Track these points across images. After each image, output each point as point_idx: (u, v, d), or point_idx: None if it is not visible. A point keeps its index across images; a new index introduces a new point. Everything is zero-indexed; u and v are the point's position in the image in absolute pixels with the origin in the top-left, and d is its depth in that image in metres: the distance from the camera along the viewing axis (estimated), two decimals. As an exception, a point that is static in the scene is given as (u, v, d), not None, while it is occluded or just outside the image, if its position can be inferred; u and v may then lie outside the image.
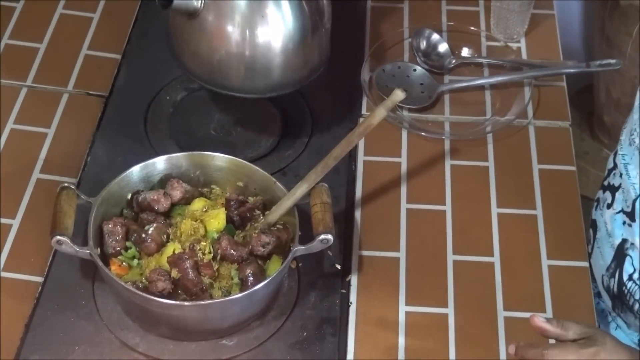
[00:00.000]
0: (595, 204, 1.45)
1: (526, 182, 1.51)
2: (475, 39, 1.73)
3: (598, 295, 1.47)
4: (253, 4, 1.37)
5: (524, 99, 1.62)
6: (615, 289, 1.38)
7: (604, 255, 1.40)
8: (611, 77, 2.52)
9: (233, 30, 1.39)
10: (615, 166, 1.39)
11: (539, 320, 1.12)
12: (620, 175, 1.36)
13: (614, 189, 1.38)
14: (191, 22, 1.37)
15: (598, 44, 2.56)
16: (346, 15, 1.75)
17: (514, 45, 1.73)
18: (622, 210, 1.36)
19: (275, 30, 1.40)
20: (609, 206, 1.39)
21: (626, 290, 1.35)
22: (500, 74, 1.67)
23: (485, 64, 1.70)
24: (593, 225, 1.44)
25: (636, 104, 1.32)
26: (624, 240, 1.35)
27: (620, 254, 1.36)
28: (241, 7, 1.37)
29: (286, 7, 1.39)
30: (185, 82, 1.61)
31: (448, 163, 1.54)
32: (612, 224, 1.37)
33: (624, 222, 1.35)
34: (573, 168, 1.53)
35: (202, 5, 1.36)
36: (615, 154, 1.40)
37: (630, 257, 1.34)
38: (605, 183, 1.41)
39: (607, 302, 1.42)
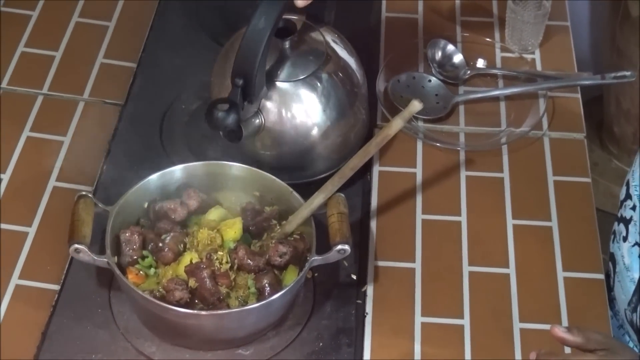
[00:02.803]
0: (612, 236, 1.44)
1: (541, 194, 1.51)
2: (489, 50, 1.74)
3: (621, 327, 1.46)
4: (303, 111, 1.43)
5: (539, 110, 1.62)
6: (639, 323, 1.37)
7: (625, 289, 1.39)
8: (621, 87, 2.52)
9: (292, 131, 1.43)
10: (627, 197, 1.38)
11: (559, 330, 1.12)
12: (633, 207, 1.35)
13: (626, 222, 1.37)
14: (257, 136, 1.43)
15: (608, 54, 2.57)
16: (361, 26, 1.76)
17: (529, 57, 1.73)
18: (636, 243, 1.35)
19: (325, 122, 1.45)
20: (625, 239, 1.38)
21: None
22: (514, 85, 1.67)
23: (500, 75, 1.70)
24: (612, 258, 1.44)
25: None
26: None
27: None
28: (293, 115, 1.42)
29: (328, 100, 1.45)
30: (200, 91, 1.61)
31: (463, 174, 1.54)
32: (629, 258, 1.36)
33: None
34: (588, 180, 1.54)
35: (264, 121, 1.40)
36: (627, 185, 1.39)
37: None
38: (619, 215, 1.40)
39: (633, 335, 1.41)
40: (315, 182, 1.41)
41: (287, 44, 1.42)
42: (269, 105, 1.41)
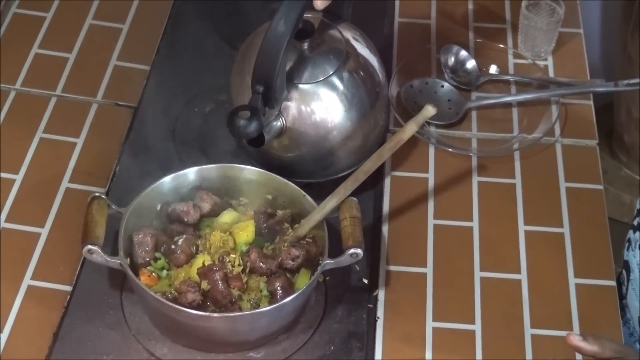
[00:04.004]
0: (626, 244, 1.44)
1: (553, 200, 1.51)
2: (502, 56, 1.74)
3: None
4: (324, 112, 1.42)
5: (551, 116, 1.62)
6: None
7: None
8: (632, 96, 2.52)
9: (314, 133, 1.42)
10: None
11: (575, 339, 1.12)
12: None
13: None
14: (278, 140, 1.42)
15: (619, 62, 2.56)
16: (374, 31, 1.76)
17: (541, 63, 1.73)
18: None
19: (346, 123, 1.43)
20: None
21: None
22: (527, 92, 1.67)
23: (513, 82, 1.70)
24: (626, 266, 1.43)
25: None
26: None
27: None
28: (314, 116, 1.42)
29: (348, 99, 1.44)
30: (213, 93, 1.62)
31: (475, 179, 1.54)
32: None
33: None
34: (600, 187, 1.54)
35: (285, 124, 1.39)
36: None
37: None
38: (635, 223, 1.40)
39: None
40: (334, 181, 1.41)
41: (305, 46, 1.41)
42: (290, 106, 1.40)
